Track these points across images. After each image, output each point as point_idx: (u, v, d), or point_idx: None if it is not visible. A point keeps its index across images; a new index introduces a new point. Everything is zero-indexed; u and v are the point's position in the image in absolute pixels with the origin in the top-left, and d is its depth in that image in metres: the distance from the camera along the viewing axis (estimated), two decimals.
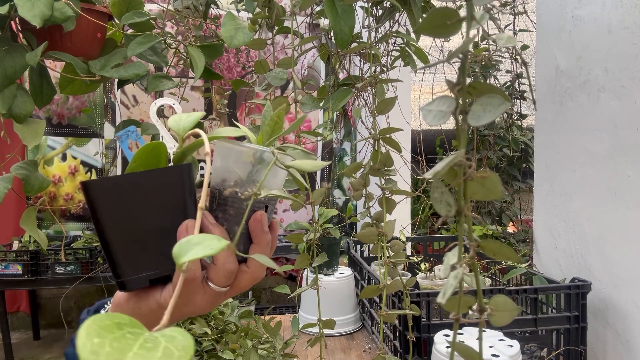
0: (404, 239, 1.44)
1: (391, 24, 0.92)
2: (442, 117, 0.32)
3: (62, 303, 3.25)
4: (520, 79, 2.71)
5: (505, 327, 1.08)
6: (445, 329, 1.08)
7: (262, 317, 1.15)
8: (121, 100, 3.12)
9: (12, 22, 0.86)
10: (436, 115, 0.32)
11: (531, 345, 1.15)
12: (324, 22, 1.05)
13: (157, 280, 0.48)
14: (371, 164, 0.85)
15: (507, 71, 2.72)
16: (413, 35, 0.95)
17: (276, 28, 0.92)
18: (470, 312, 0.35)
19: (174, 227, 0.47)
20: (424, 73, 2.27)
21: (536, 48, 1.54)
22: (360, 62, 0.96)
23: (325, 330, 0.90)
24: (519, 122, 2.86)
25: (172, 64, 1.15)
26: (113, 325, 0.27)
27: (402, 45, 0.97)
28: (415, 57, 0.98)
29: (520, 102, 2.80)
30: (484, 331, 1.05)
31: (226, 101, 3.09)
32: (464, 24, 0.30)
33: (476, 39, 2.05)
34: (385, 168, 0.84)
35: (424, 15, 0.86)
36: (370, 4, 0.89)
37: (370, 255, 1.67)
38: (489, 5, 0.30)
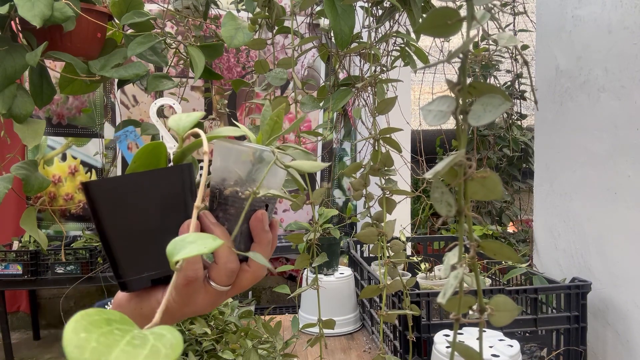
0: (404, 239, 1.44)
1: (391, 24, 0.92)
2: (442, 117, 0.32)
3: (62, 303, 3.25)
4: (520, 79, 2.71)
5: (505, 327, 1.08)
6: (445, 329, 1.08)
7: (262, 317, 1.15)
8: (121, 100, 3.12)
9: (12, 22, 0.86)
10: (436, 115, 0.32)
11: (531, 345, 1.15)
12: (324, 22, 1.05)
13: (159, 281, 0.48)
14: (371, 164, 0.85)
15: (507, 71, 2.72)
16: (413, 35, 0.95)
17: (276, 28, 0.92)
18: (470, 312, 0.35)
19: (175, 227, 0.47)
20: (424, 73, 2.27)
21: (536, 48, 1.54)
22: (360, 62, 0.96)
23: (325, 330, 0.90)
24: (519, 122, 2.86)
25: (172, 64, 1.15)
26: (102, 320, 0.27)
27: (402, 45, 0.97)
28: (415, 57, 0.98)
29: (520, 102, 2.80)
30: (484, 331, 1.05)
31: (226, 101, 3.09)
32: (464, 24, 0.30)
33: (476, 39, 2.05)
34: (386, 168, 0.84)
35: (424, 15, 0.86)
36: (370, 4, 0.89)
37: (370, 255, 1.67)
38: (489, 5, 0.30)
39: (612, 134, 1.20)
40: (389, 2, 0.89)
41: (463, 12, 0.31)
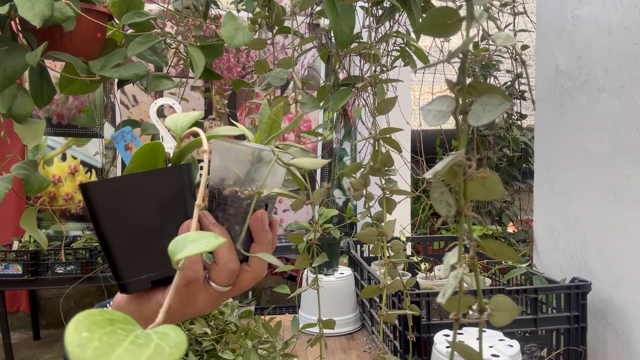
0: (404, 239, 1.44)
1: (391, 24, 0.92)
2: (442, 117, 0.32)
3: (62, 303, 3.25)
4: (520, 79, 2.71)
5: (505, 327, 1.08)
6: (445, 329, 1.08)
7: (262, 317, 1.15)
8: (121, 100, 3.12)
9: (12, 22, 0.86)
10: (436, 115, 0.32)
11: (531, 345, 1.14)
12: (324, 22, 1.05)
13: (159, 282, 0.48)
14: (371, 164, 0.85)
15: (507, 71, 2.72)
16: (413, 35, 0.95)
17: (276, 28, 0.92)
18: (470, 312, 0.35)
19: (174, 227, 0.46)
20: (424, 73, 2.27)
21: (536, 48, 1.54)
22: (360, 62, 0.96)
23: (325, 330, 0.90)
24: (519, 122, 2.86)
25: (172, 64, 1.15)
26: (104, 320, 0.26)
27: (402, 45, 0.97)
28: (415, 57, 0.98)
29: (520, 102, 2.80)
30: (484, 331, 1.05)
31: (226, 101, 3.09)
32: (464, 24, 0.30)
33: (476, 39, 2.05)
34: (386, 168, 0.84)
35: (424, 15, 0.86)
36: (370, 4, 0.89)
37: (370, 255, 1.67)
38: (488, 5, 0.30)
39: (612, 134, 1.20)
40: (389, 2, 0.89)
41: (463, 12, 0.31)
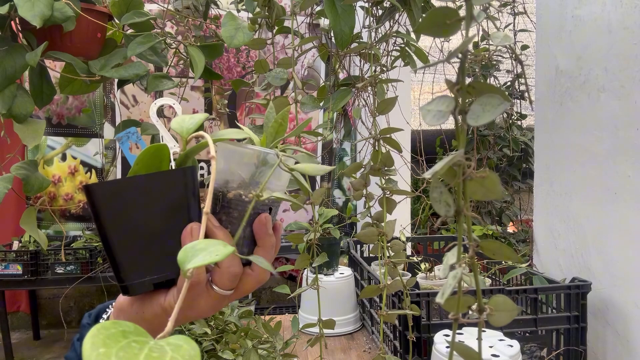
0: (404, 239, 1.44)
1: (391, 24, 0.92)
2: (441, 116, 0.32)
3: (62, 303, 3.25)
4: (520, 79, 2.71)
5: (505, 327, 1.08)
6: (446, 329, 1.08)
7: (262, 317, 1.15)
8: (121, 100, 3.12)
9: (12, 22, 0.86)
10: (435, 115, 0.32)
11: (531, 345, 1.14)
12: (324, 22, 1.05)
13: (161, 284, 0.48)
14: (371, 164, 0.85)
15: (508, 71, 2.72)
16: (413, 35, 0.95)
17: (276, 28, 0.92)
18: (470, 312, 0.35)
19: (177, 230, 0.46)
20: (424, 73, 2.27)
21: (536, 48, 1.54)
22: (360, 62, 0.96)
23: (325, 330, 0.90)
24: (519, 122, 2.86)
25: (172, 64, 1.15)
26: (118, 333, 0.27)
27: (402, 45, 0.97)
28: (415, 57, 0.98)
29: (520, 102, 2.80)
30: (484, 331, 1.05)
31: (226, 101, 3.09)
32: (464, 24, 0.30)
33: (476, 39, 2.05)
34: (386, 168, 0.84)
35: (424, 15, 0.86)
36: (370, 4, 0.89)
37: (370, 255, 1.67)
38: (487, 5, 0.30)
39: (612, 134, 1.20)
40: (389, 2, 0.89)
41: (463, 12, 0.31)
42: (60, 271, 2.64)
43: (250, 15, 0.94)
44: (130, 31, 0.96)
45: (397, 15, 0.92)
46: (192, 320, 0.75)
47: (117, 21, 0.96)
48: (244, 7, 0.96)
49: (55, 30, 0.88)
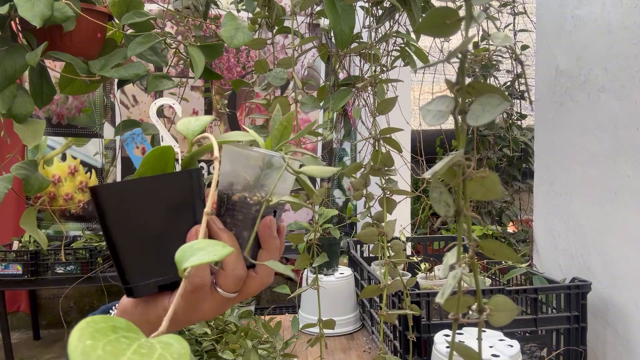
0: (404, 239, 1.44)
1: (391, 24, 0.92)
2: (441, 116, 0.32)
3: (62, 303, 3.25)
4: (520, 79, 2.71)
5: (505, 327, 1.08)
6: (446, 329, 1.08)
7: (262, 317, 1.15)
8: (121, 100, 3.12)
9: (12, 22, 0.86)
10: (435, 115, 0.32)
11: (531, 345, 1.14)
12: (324, 22, 1.05)
13: (166, 286, 0.48)
14: (371, 164, 0.85)
15: (507, 71, 2.72)
16: (413, 35, 0.95)
17: (276, 28, 0.92)
18: (470, 312, 0.35)
19: (183, 232, 0.46)
20: (424, 73, 2.27)
21: (536, 48, 1.54)
22: (360, 62, 0.96)
23: (325, 330, 0.90)
24: (519, 122, 2.86)
25: (172, 64, 1.15)
26: (108, 328, 0.26)
27: (402, 45, 0.97)
28: (415, 57, 0.98)
29: (520, 102, 2.80)
30: (484, 331, 1.05)
31: (226, 101, 3.09)
32: (463, 24, 0.30)
33: (476, 39, 2.05)
34: (386, 168, 0.84)
35: (424, 15, 0.85)
36: (370, 4, 0.89)
37: (371, 255, 1.67)
38: (487, 5, 0.30)
39: (612, 134, 1.20)
40: (389, 2, 0.89)
41: (462, 12, 0.31)
42: (60, 271, 2.64)
43: (250, 15, 0.94)
44: (130, 31, 0.96)
45: (397, 15, 0.92)
46: (196, 322, 0.75)
47: (117, 21, 0.96)
48: (244, 7, 0.96)
49: (55, 30, 0.88)
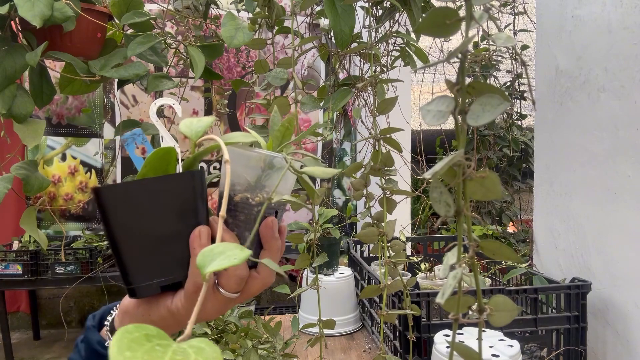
0: (404, 239, 1.44)
1: (391, 24, 0.92)
2: (441, 116, 0.32)
3: (62, 303, 3.25)
4: (520, 79, 2.71)
5: (505, 327, 1.08)
6: (446, 329, 1.08)
7: (262, 317, 1.15)
8: (121, 100, 3.12)
9: (12, 22, 0.86)
10: (435, 115, 0.32)
11: (531, 345, 1.15)
12: (324, 22, 1.05)
13: (168, 287, 0.48)
14: (372, 164, 0.85)
15: (507, 71, 2.72)
16: (413, 35, 0.95)
17: (276, 28, 0.92)
18: (470, 312, 0.35)
19: (185, 233, 0.46)
20: (424, 73, 2.27)
21: (536, 48, 1.54)
22: (360, 62, 0.96)
23: (325, 330, 0.90)
24: (519, 122, 2.86)
25: (172, 64, 1.15)
26: (142, 337, 0.27)
27: (402, 45, 0.97)
28: (415, 57, 0.98)
29: (520, 102, 2.80)
30: (484, 331, 1.05)
31: (226, 101, 3.09)
32: (464, 24, 0.30)
33: (476, 39, 2.05)
34: (386, 168, 0.84)
35: (424, 15, 0.85)
36: (370, 4, 0.89)
37: (371, 255, 1.67)
38: (488, 5, 0.30)
39: (612, 134, 1.20)
40: (389, 2, 0.89)
41: (463, 12, 0.31)
42: (60, 271, 2.64)
43: (250, 15, 0.94)
44: (130, 31, 0.96)
45: (397, 15, 0.92)
46: (198, 322, 0.76)
47: (117, 21, 0.96)
48: (244, 7, 0.96)
49: (55, 30, 0.88)
